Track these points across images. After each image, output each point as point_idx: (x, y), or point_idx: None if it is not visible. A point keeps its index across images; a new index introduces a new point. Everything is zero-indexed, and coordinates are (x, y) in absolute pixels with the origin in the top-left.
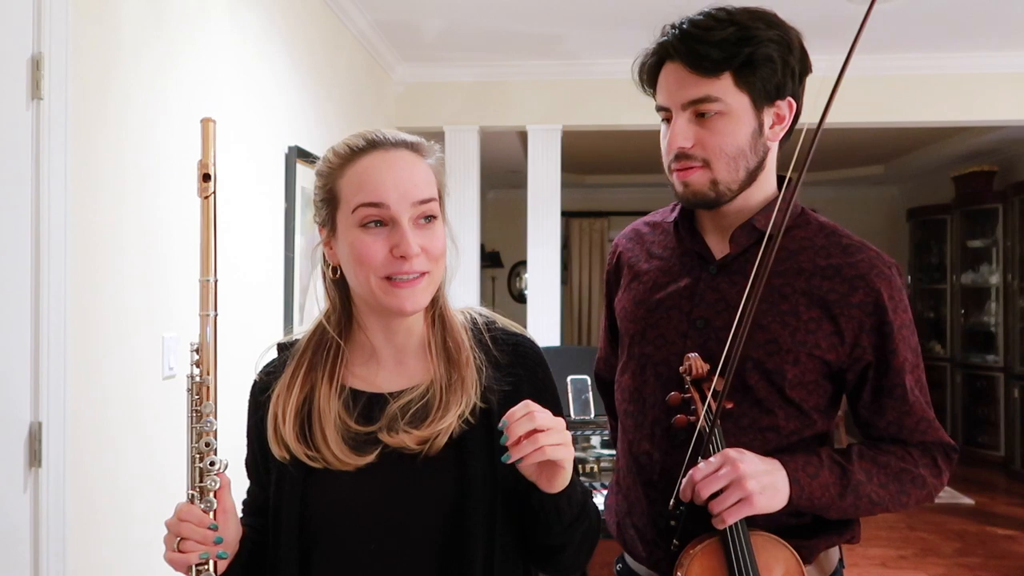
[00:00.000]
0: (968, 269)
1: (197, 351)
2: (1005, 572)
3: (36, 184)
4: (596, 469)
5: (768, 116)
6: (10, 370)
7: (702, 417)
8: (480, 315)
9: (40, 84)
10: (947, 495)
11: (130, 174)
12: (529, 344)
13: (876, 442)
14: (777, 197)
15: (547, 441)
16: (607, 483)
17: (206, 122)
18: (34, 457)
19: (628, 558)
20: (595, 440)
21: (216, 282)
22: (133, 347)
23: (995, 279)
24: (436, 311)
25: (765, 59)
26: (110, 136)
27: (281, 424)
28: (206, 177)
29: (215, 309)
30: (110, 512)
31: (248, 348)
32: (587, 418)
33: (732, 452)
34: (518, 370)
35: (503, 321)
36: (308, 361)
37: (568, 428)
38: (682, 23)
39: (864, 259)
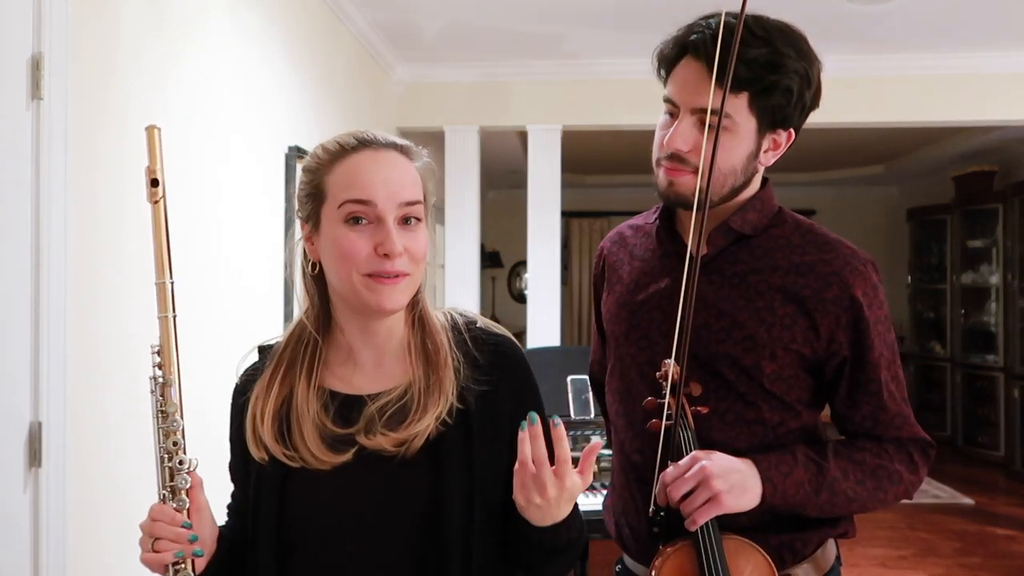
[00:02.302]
0: (968, 269)
1: (159, 353)
2: (1005, 572)
3: (36, 184)
4: (596, 469)
5: (767, 141)
6: (10, 370)
7: (663, 419)
8: (461, 315)
9: (40, 84)
10: (947, 495)
11: (130, 174)
12: (509, 345)
13: (852, 438)
14: (754, 196)
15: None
16: (607, 483)
17: (151, 129)
18: (34, 457)
19: (626, 558)
20: (595, 440)
21: (172, 284)
22: (133, 347)
23: (995, 279)
24: (417, 313)
25: (784, 90)
26: (110, 136)
27: (260, 424)
28: (154, 183)
29: (173, 311)
30: (110, 512)
31: (248, 348)
32: (587, 418)
33: (700, 453)
34: (497, 371)
35: (484, 322)
36: (287, 360)
37: (568, 428)
38: (717, 25)
39: (838, 256)
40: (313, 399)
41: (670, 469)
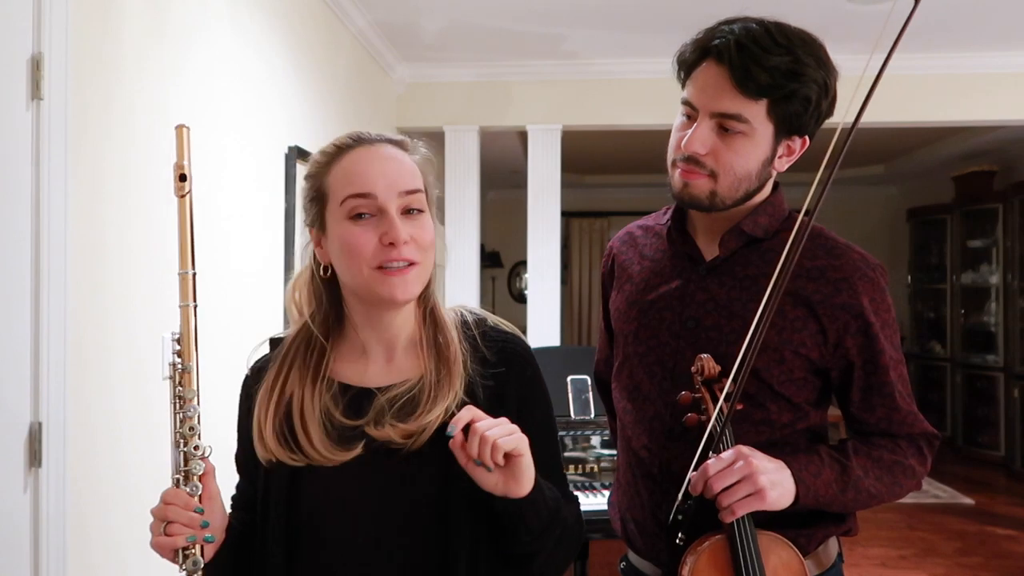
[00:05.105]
0: (968, 269)
1: (178, 340)
2: (1005, 572)
3: (36, 184)
4: (596, 469)
5: (782, 147)
6: (10, 370)
7: (714, 417)
8: (471, 313)
9: (40, 84)
10: (947, 495)
11: (130, 174)
12: (518, 342)
13: (866, 436)
14: (766, 200)
15: (496, 435)
16: (607, 483)
17: (180, 128)
18: (34, 457)
19: (631, 554)
20: (595, 440)
21: (195, 275)
22: (133, 347)
23: (995, 279)
24: (427, 307)
25: (803, 98)
26: (110, 136)
27: (264, 427)
28: (182, 178)
29: (195, 300)
30: (110, 512)
31: (246, 347)
32: (587, 418)
33: (745, 448)
34: (505, 368)
35: (494, 319)
36: (291, 363)
37: (568, 428)
38: (740, 31)
39: (848, 262)
40: (317, 400)
41: (712, 460)
